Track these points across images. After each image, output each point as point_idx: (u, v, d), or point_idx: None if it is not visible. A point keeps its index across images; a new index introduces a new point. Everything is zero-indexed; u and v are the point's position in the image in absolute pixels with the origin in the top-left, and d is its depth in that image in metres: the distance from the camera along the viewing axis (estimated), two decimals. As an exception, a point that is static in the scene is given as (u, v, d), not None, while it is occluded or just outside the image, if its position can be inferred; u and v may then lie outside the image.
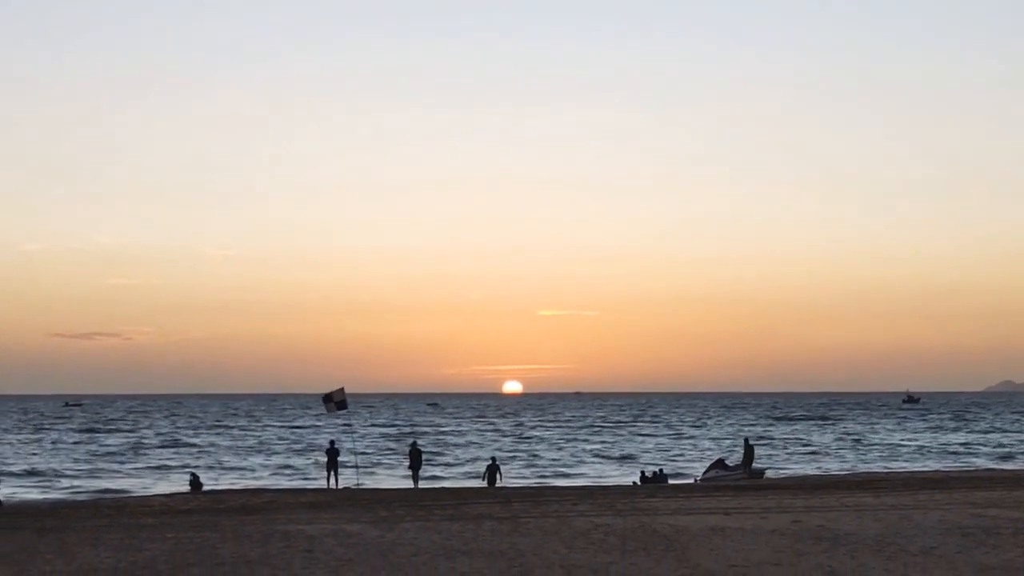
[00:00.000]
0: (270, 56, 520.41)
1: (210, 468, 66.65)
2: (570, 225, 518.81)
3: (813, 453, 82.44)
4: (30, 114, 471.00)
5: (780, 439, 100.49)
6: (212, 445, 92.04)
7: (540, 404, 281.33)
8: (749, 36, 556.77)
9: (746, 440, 55.58)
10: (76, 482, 58.82)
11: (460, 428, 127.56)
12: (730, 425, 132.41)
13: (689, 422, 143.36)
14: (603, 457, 78.23)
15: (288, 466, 69.49)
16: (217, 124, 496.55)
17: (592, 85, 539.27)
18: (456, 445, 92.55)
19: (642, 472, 54.04)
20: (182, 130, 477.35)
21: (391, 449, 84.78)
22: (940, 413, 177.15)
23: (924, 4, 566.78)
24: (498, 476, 48.25)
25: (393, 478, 58.86)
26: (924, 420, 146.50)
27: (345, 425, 68.66)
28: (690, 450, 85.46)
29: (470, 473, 62.95)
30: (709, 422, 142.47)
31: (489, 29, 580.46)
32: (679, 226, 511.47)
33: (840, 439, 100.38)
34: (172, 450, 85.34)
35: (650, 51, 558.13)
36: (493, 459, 51.35)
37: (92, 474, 64.07)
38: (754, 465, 56.89)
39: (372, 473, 61.97)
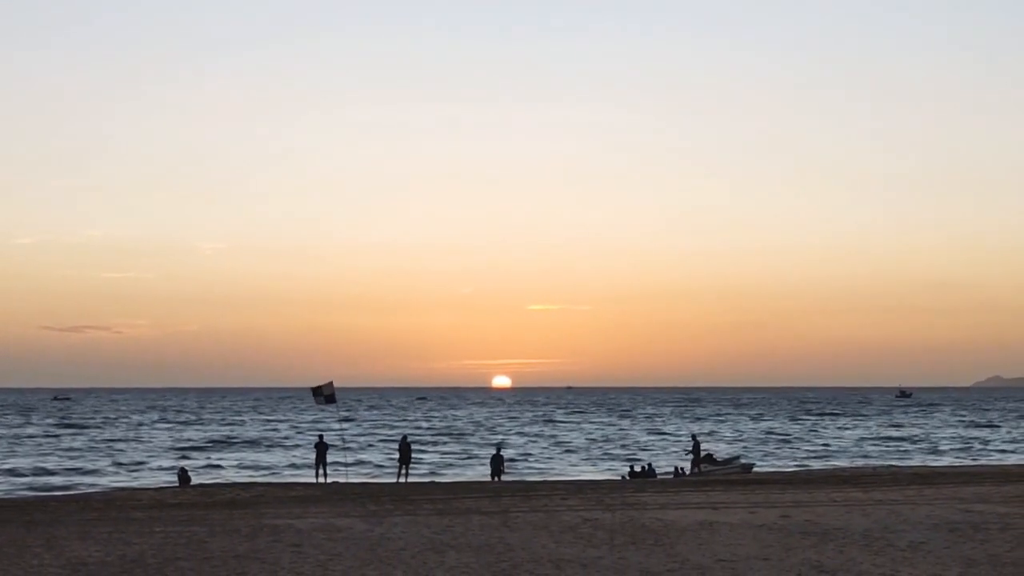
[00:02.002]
0: (263, 50, 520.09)
1: (192, 462, 66.55)
2: (561, 219, 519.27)
3: (803, 448, 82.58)
4: (23, 108, 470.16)
5: (770, 435, 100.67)
6: (190, 439, 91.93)
7: (529, 399, 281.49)
8: (740, 31, 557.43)
9: (694, 436, 55.94)
10: (39, 479, 57.50)
11: (448, 424, 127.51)
12: (720, 420, 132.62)
13: (673, 416, 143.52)
14: (589, 452, 78.26)
15: (278, 460, 69.46)
16: (210, 118, 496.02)
17: (583, 80, 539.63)
18: (440, 439, 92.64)
19: (631, 467, 54.10)
20: (175, 124, 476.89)
21: (379, 443, 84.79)
22: (932, 408, 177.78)
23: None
24: (503, 467, 48.09)
25: (381, 472, 58.88)
26: (916, 415, 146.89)
27: (333, 417, 68.58)
28: (676, 445, 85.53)
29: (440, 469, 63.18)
30: (696, 415, 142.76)
31: (483, 23, 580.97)
32: (670, 221, 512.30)
33: (824, 433, 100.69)
34: (145, 445, 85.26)
35: (641, 46, 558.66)
36: (498, 448, 51.06)
37: (48, 471, 61.84)
38: (743, 460, 57.22)
39: (361, 467, 61.95)
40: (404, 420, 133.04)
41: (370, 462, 66.65)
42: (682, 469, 52.85)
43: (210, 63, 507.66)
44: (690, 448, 54.31)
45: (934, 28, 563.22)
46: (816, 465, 65.55)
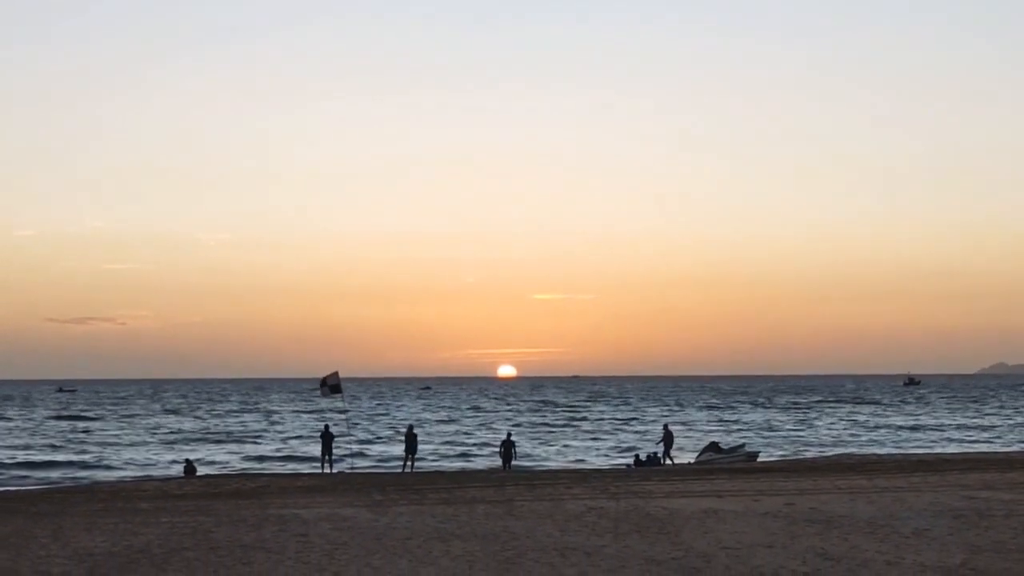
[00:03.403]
0: (265, 40, 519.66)
1: (196, 453, 66.63)
2: (564, 208, 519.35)
3: (806, 436, 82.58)
4: (23, 99, 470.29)
5: (774, 423, 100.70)
6: (194, 431, 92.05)
7: (535, 388, 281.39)
8: (746, 18, 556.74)
9: (665, 426, 55.54)
10: (45, 471, 57.30)
11: (453, 414, 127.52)
12: (724, 408, 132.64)
13: (677, 405, 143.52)
14: (594, 441, 78.28)
15: (280, 451, 69.57)
16: (212, 109, 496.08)
17: (587, 66, 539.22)
18: (444, 429, 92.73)
19: (636, 455, 54.04)
20: (177, 115, 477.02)
21: (384, 433, 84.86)
22: (937, 395, 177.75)
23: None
24: (513, 453, 48.09)
25: (387, 462, 58.93)
26: (921, 402, 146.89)
27: (335, 407, 68.65)
28: (683, 434, 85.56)
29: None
30: (699, 403, 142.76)
31: (484, 8, 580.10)
32: (675, 208, 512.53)
33: (827, 421, 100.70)
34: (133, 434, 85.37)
35: (647, 32, 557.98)
36: (508, 434, 51.09)
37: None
38: (747, 448, 57.17)
39: (366, 457, 62.03)
40: (408, 410, 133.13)
41: (376, 452, 66.74)
42: (659, 458, 52.37)
43: (212, 54, 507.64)
44: (660, 438, 53.58)
45: (936, 17, 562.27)
46: (820, 453, 65.54)
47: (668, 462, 50.65)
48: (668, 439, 51.66)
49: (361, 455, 61.21)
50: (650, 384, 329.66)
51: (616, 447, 71.57)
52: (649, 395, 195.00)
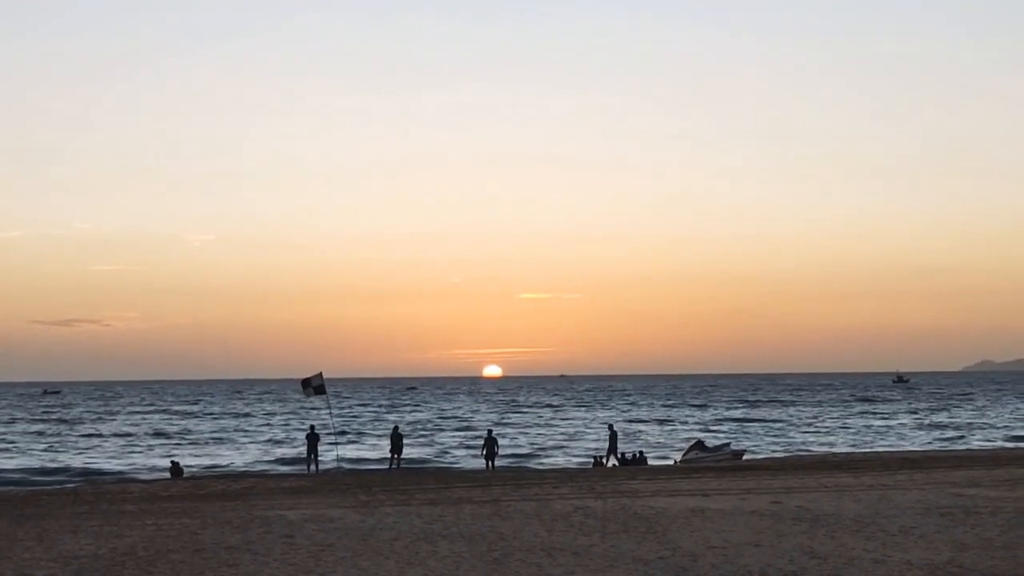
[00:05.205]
0: (250, 41, 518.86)
1: (181, 455, 66.48)
2: (550, 207, 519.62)
3: (792, 435, 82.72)
4: (8, 102, 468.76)
5: (757, 421, 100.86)
6: (179, 431, 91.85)
7: (520, 387, 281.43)
8: (733, 16, 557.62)
9: (610, 427, 55.60)
10: (28, 474, 56.99)
11: (438, 413, 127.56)
12: (710, 407, 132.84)
13: (660, 405, 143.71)
14: (579, 440, 78.30)
15: (267, 451, 69.43)
16: (198, 110, 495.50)
17: (575, 66, 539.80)
18: (429, 429, 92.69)
19: (621, 454, 54.03)
20: (161, 116, 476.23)
21: (366, 433, 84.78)
22: (927, 392, 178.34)
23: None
24: (496, 450, 48.12)
25: (373, 462, 58.87)
26: (910, 400, 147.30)
27: (320, 408, 68.54)
28: (669, 433, 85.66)
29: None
30: (686, 402, 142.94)
31: (473, 10, 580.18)
32: (662, 207, 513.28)
33: (818, 420, 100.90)
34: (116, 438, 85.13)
35: (633, 32, 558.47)
36: (490, 431, 51.12)
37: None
38: (733, 447, 57.33)
39: (352, 458, 61.94)
40: (393, 411, 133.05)
41: (361, 451, 66.64)
42: (603, 459, 52.36)
43: (198, 55, 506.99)
44: (607, 437, 53.52)
45: (929, 16, 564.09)
46: (806, 451, 65.66)
47: (611, 463, 50.63)
48: (613, 440, 51.75)
49: (344, 456, 61.10)
50: (635, 383, 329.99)
51: (596, 447, 71.54)
52: (634, 394, 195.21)
